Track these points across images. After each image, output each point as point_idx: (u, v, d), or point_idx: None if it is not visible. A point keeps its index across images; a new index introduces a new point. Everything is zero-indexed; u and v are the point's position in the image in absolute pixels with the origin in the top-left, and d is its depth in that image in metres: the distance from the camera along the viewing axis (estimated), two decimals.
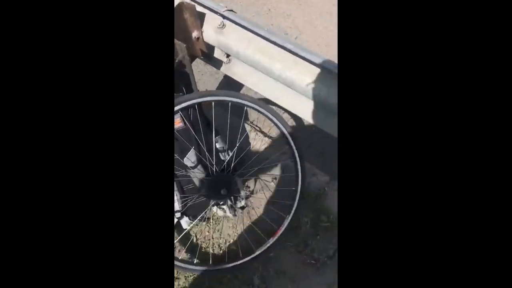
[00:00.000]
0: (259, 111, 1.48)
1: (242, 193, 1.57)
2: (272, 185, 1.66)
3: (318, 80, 1.47)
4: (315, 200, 1.69)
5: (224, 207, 1.56)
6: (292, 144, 1.52)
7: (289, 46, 1.44)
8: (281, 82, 1.58)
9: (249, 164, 1.58)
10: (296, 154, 1.54)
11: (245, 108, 1.50)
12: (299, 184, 1.56)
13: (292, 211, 1.56)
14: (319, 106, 1.57)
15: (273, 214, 1.59)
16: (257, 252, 1.55)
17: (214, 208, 1.55)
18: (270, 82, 1.64)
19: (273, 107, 1.65)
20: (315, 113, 1.64)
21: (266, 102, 1.67)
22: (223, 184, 1.47)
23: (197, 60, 1.73)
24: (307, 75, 1.48)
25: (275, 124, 1.50)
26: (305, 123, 1.72)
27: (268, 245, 1.55)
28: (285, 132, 1.51)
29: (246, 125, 1.80)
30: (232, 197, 1.54)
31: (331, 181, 1.76)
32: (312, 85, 1.49)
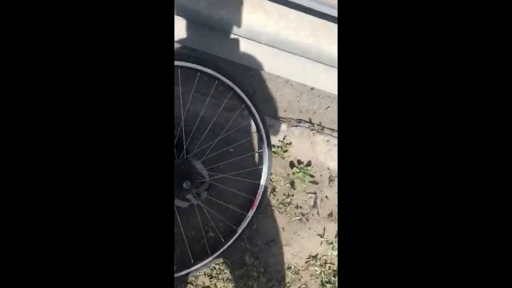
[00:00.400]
0: (200, 71, 1.14)
1: (204, 173, 1.31)
2: (235, 153, 1.41)
3: (262, 14, 1.18)
4: (281, 152, 1.53)
5: (188, 196, 1.29)
6: (247, 101, 1.26)
7: None
8: (212, 25, 1.23)
9: (203, 140, 1.29)
10: (254, 111, 1.30)
11: (179, 70, 1.15)
12: (265, 143, 1.35)
13: (265, 175, 1.38)
14: (260, 43, 1.30)
15: (244, 184, 1.39)
16: (240, 230, 1.37)
17: (179, 203, 1.27)
18: (197, 28, 1.28)
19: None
20: (256, 55, 1.38)
21: (198, 55, 1.33)
22: (182, 175, 1.18)
23: None
24: (245, 11, 1.17)
25: (222, 82, 1.20)
26: (243, 69, 1.44)
27: (248, 218, 1.38)
28: (237, 89, 1.23)
29: (184, 90, 1.44)
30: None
31: (289, 127, 1.60)
32: (256, 22, 1.19)
